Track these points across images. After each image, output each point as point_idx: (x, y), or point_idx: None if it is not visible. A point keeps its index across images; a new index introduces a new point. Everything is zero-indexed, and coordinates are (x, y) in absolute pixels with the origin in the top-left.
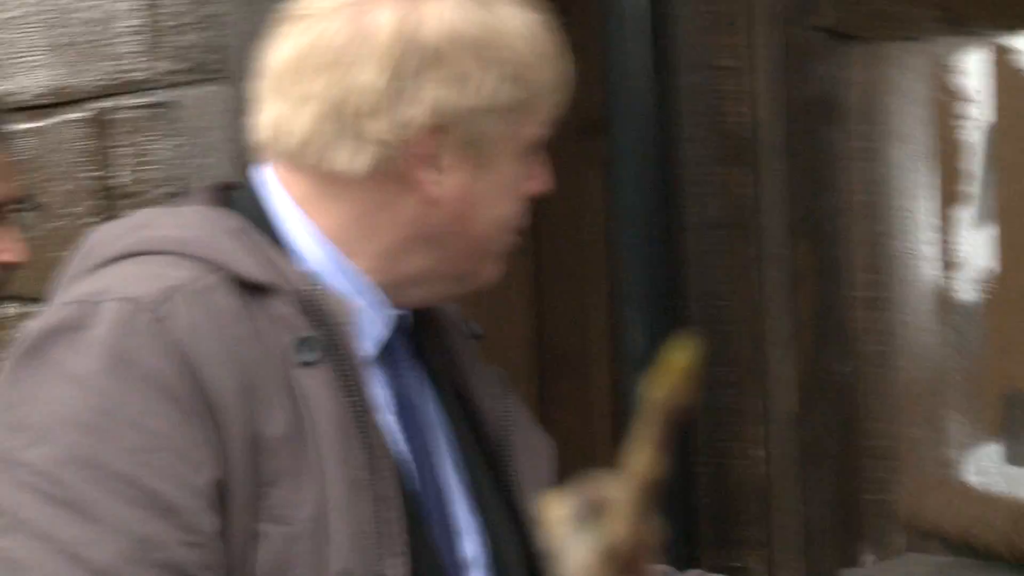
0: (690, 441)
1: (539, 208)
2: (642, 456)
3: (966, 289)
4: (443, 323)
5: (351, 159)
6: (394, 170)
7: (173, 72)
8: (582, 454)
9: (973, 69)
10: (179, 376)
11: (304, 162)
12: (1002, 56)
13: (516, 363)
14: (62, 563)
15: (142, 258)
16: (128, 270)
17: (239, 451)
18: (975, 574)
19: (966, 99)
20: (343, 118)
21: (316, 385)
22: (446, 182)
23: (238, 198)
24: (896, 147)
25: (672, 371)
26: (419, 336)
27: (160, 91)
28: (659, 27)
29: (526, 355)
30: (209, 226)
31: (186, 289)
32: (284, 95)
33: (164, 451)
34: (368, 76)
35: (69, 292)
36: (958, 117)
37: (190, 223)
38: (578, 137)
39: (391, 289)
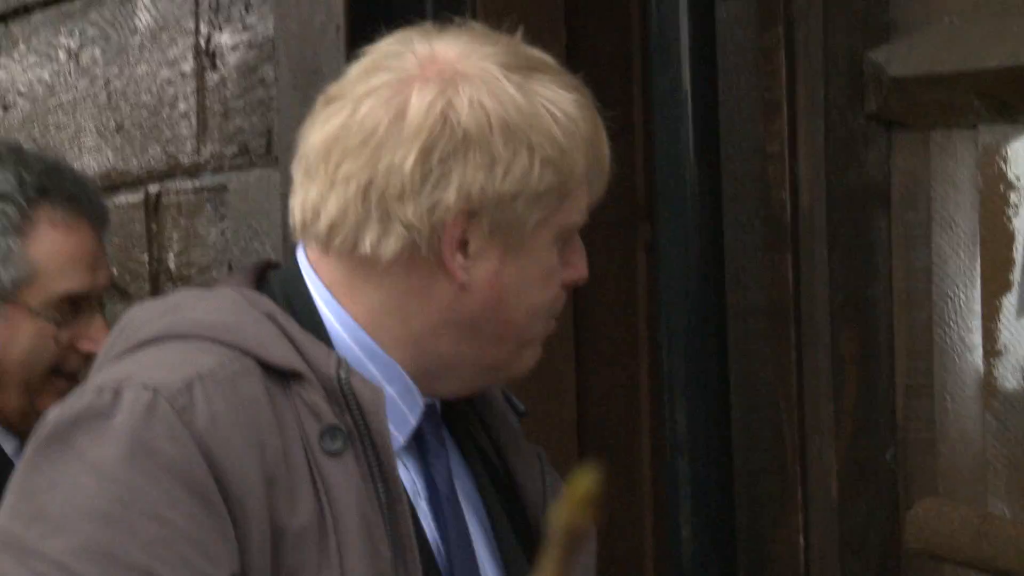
0: (732, 528)
1: (585, 291)
2: None
3: (1009, 377)
4: (487, 399)
5: (379, 243)
6: (423, 255)
7: (222, 156)
8: (625, 539)
9: (1018, 157)
10: (199, 467)
11: (334, 245)
12: None
13: (557, 446)
14: None
15: (170, 343)
16: (153, 356)
17: (258, 545)
18: None
19: (1011, 186)
20: (371, 201)
21: (341, 475)
22: (476, 268)
23: (274, 280)
24: (941, 234)
25: (574, 499)
26: (459, 414)
27: (209, 175)
28: (704, 112)
29: (567, 438)
30: (239, 311)
31: (208, 378)
32: (316, 177)
33: (181, 544)
34: (397, 159)
35: (97, 377)
36: (1004, 205)
37: (221, 307)
38: (624, 221)
39: (421, 378)
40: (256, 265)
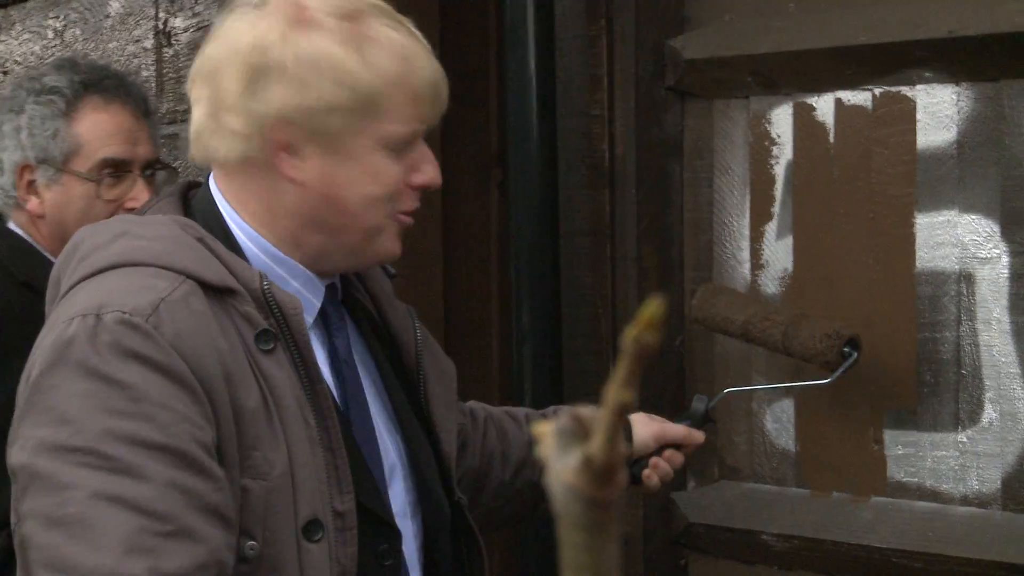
0: (560, 398)
1: (451, 217)
2: (616, 389)
3: (769, 284)
4: (367, 272)
5: (226, 149)
6: (260, 158)
7: (175, 111)
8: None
9: (779, 119)
10: (182, 367)
11: (199, 155)
12: (800, 110)
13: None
14: (133, 517)
15: (126, 269)
16: (118, 283)
17: (226, 421)
18: (772, 498)
19: (773, 142)
20: (214, 115)
21: (275, 368)
22: (306, 167)
23: (196, 205)
24: (720, 177)
25: (640, 323)
26: (348, 285)
27: (165, 126)
28: (545, 84)
29: (436, 329)
30: (176, 238)
31: (168, 300)
32: (193, 102)
33: (185, 423)
34: (230, 81)
35: (70, 304)
36: (767, 156)
37: (162, 235)
38: (482, 166)
39: (311, 266)
40: (180, 188)
